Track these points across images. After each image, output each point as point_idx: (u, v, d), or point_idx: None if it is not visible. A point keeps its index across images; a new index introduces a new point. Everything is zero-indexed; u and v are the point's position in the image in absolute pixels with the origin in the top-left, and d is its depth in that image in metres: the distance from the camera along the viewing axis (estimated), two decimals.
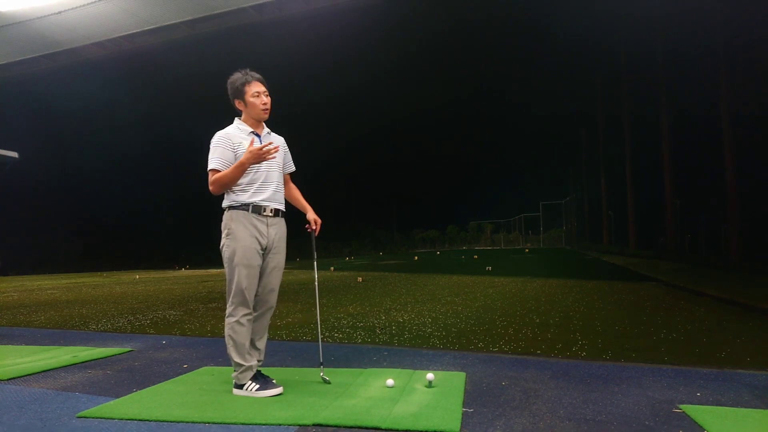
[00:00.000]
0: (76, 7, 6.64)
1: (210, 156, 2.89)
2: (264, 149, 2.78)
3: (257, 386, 2.86)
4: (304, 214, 3.28)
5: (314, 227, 3.22)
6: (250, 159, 2.79)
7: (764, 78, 12.70)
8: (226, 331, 2.91)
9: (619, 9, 20.03)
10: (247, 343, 2.91)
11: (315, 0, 7.62)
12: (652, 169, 19.83)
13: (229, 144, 2.89)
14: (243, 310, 2.89)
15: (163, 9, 7.01)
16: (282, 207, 3.07)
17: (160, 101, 36.50)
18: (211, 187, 2.87)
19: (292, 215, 3.31)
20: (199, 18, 7.36)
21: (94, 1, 6.52)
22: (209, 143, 2.94)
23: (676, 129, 18.28)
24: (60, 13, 6.72)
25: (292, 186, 3.32)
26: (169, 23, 7.40)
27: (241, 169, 2.82)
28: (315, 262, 3.49)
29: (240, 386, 2.90)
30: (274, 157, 2.93)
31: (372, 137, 48.14)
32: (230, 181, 2.85)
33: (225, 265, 2.93)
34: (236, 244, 2.86)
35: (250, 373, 2.90)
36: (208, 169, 2.88)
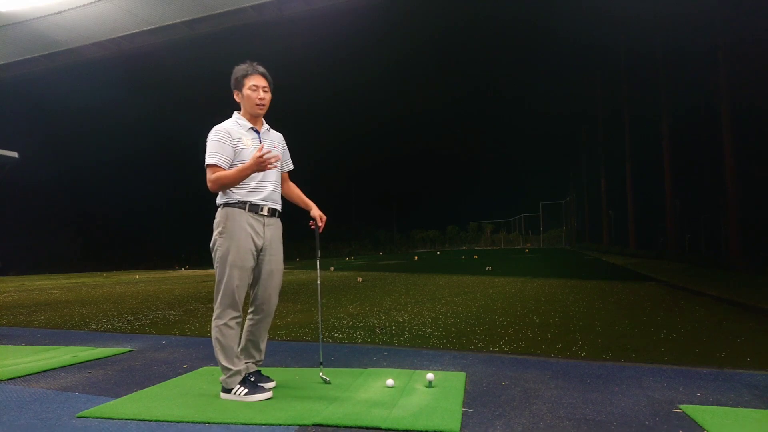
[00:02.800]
0: (76, 7, 6.64)
1: (208, 150, 2.76)
2: (265, 158, 2.67)
3: (246, 390, 2.79)
4: (307, 212, 3.19)
5: (319, 224, 3.13)
6: (253, 167, 2.69)
7: (764, 78, 12.69)
8: (213, 333, 2.82)
9: (620, 9, 20.02)
10: (236, 347, 2.84)
11: (315, 0, 7.62)
12: (652, 169, 19.83)
13: (228, 138, 2.79)
14: (232, 313, 2.81)
15: (163, 9, 7.01)
16: (278, 207, 3.00)
17: (159, 101, 36.51)
18: (210, 185, 2.76)
19: (290, 215, 3.27)
20: (199, 18, 7.36)
21: (94, 1, 6.51)
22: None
23: (676, 129, 18.28)
24: (60, 13, 6.71)
25: (291, 184, 3.23)
26: (168, 23, 7.40)
27: (243, 175, 2.73)
28: (318, 261, 3.44)
29: (228, 390, 2.82)
30: (275, 167, 2.86)
31: (372, 137, 48.16)
32: (231, 184, 2.76)
33: (216, 264, 2.83)
34: (230, 243, 2.78)
35: (239, 378, 2.82)
36: (207, 163, 2.76)
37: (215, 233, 2.84)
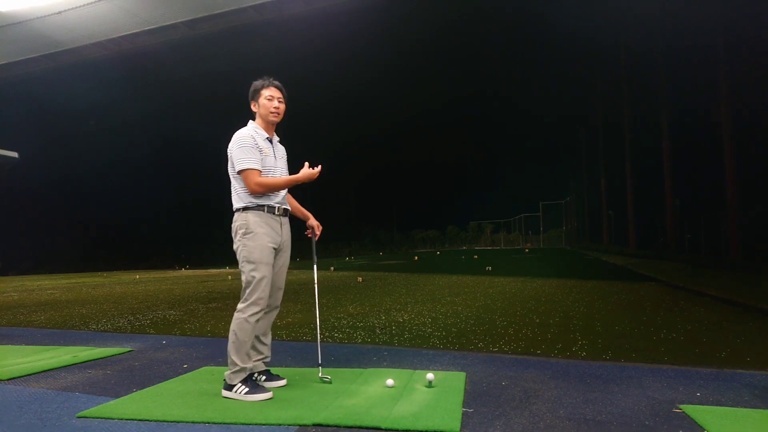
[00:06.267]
0: (76, 7, 6.64)
1: (241, 155, 2.94)
2: (317, 172, 3.00)
3: (246, 389, 2.84)
4: (303, 222, 3.39)
5: (316, 233, 3.34)
6: (303, 179, 2.99)
7: (764, 78, 12.69)
8: (232, 325, 2.94)
9: (620, 9, 20.03)
10: (250, 343, 2.92)
11: (315, 0, 7.62)
12: (652, 169, 19.83)
13: (254, 143, 2.99)
14: (254, 309, 2.92)
15: (163, 9, 7.01)
16: (289, 207, 3.23)
17: (160, 101, 36.51)
18: (257, 188, 2.94)
19: (292, 216, 3.33)
20: (199, 18, 7.36)
21: (94, 1, 6.51)
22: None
23: (676, 129, 18.28)
24: (60, 13, 6.71)
25: (289, 195, 3.39)
26: (169, 23, 7.40)
27: (292, 184, 3.03)
28: (315, 266, 3.53)
29: (229, 387, 2.87)
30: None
31: (372, 137, 48.17)
32: (280, 189, 3.03)
33: (242, 264, 2.96)
34: (254, 244, 2.93)
35: (243, 375, 2.88)
36: (246, 167, 2.92)
37: (239, 235, 2.98)
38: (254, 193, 2.97)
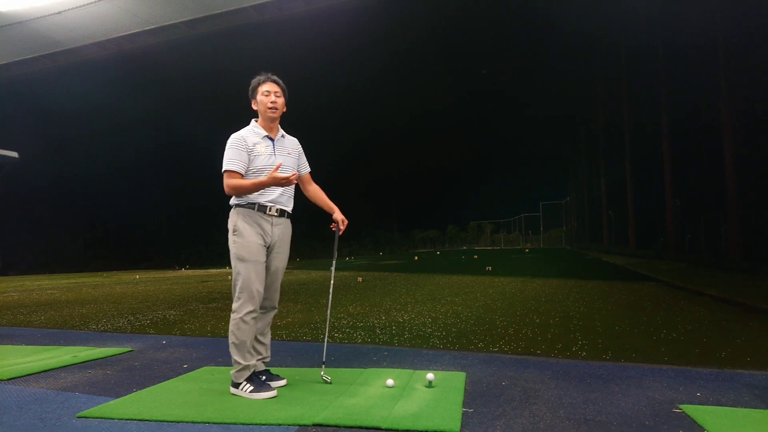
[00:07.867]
0: (76, 7, 6.64)
1: (226, 157, 2.94)
2: (288, 179, 2.89)
3: (251, 387, 2.87)
4: (323, 214, 3.33)
5: (341, 227, 3.26)
6: (270, 183, 2.89)
7: (764, 78, 12.69)
8: (230, 327, 2.94)
9: (620, 8, 20.02)
10: (249, 342, 2.93)
11: (315, 0, 7.63)
12: (652, 169, 19.82)
13: (243, 145, 2.96)
14: (248, 308, 2.91)
15: (163, 9, 7.01)
16: (288, 209, 3.12)
17: (160, 101, 36.51)
18: (227, 189, 2.93)
19: (298, 217, 3.30)
20: (199, 18, 7.37)
21: (94, 1, 6.52)
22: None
23: (676, 129, 18.27)
24: (60, 13, 6.72)
25: (315, 186, 3.35)
26: (169, 23, 7.40)
27: (260, 188, 2.91)
28: (334, 262, 3.48)
29: (236, 385, 2.92)
30: (293, 183, 3.01)
31: (372, 137, 48.21)
32: (247, 193, 2.94)
33: (232, 262, 2.97)
34: (242, 241, 2.93)
35: (247, 373, 2.91)
36: (225, 169, 2.92)
37: (229, 233, 2.99)
38: (228, 195, 2.98)
